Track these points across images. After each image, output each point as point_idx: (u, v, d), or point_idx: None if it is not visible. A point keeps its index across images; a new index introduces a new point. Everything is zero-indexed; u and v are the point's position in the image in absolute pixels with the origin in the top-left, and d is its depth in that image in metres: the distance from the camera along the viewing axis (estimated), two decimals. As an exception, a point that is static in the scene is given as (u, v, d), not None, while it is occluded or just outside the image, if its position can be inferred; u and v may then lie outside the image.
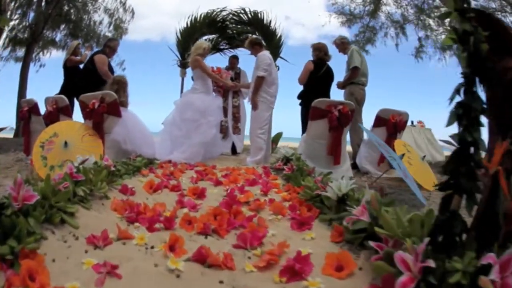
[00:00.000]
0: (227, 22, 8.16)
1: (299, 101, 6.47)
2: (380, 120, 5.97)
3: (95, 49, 10.55)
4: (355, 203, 2.24)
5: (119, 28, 18.53)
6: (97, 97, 5.13)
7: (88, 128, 5.09)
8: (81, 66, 6.98)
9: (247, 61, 8.47)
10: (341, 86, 6.64)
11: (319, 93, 5.98)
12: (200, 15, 7.81)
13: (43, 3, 16.43)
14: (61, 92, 6.76)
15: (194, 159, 5.82)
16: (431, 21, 15.21)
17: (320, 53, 6.32)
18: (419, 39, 15.12)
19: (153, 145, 5.52)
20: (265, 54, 6.13)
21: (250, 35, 8.18)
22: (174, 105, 6.39)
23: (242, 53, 8.31)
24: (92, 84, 6.00)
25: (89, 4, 18.03)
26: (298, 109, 6.60)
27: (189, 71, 7.24)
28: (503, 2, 13.83)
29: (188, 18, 7.83)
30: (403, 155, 4.70)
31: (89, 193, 2.57)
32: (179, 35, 7.91)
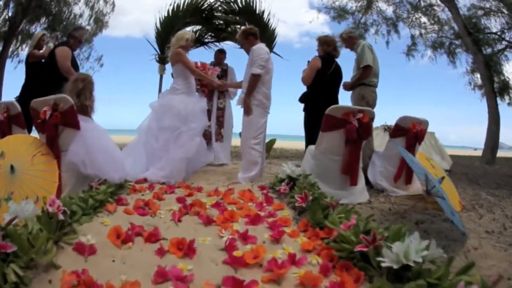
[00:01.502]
0: (214, 11, 6.82)
1: (302, 104, 5.21)
2: (400, 130, 4.80)
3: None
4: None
5: (99, 21, 17.24)
6: (50, 103, 3.72)
7: (42, 144, 3.76)
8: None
9: (236, 56, 7.13)
10: (349, 87, 5.49)
11: (327, 96, 4.91)
12: (184, 2, 6.48)
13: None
14: (20, 95, 5.54)
15: (174, 178, 4.62)
16: (425, 19, 14.40)
17: (328, 47, 5.08)
18: (412, 37, 14.18)
19: (123, 166, 4.14)
20: (262, 47, 4.90)
21: (239, 26, 6.92)
22: (150, 109, 5.11)
23: (230, 47, 7.10)
24: (53, 84, 4.60)
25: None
26: (288, 106, 5.34)
27: (169, 67, 5.93)
28: (500, 3, 12.95)
29: (170, 5, 6.51)
30: (442, 178, 3.60)
31: (27, 269, 1.75)
32: (158, 25, 6.57)
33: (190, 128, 4.79)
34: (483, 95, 15.40)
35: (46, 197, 2.45)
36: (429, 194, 3.44)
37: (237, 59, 7.71)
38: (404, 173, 4.64)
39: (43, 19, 16.16)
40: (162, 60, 6.51)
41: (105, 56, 17.22)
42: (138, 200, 3.44)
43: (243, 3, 6.57)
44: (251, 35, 5.02)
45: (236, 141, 6.76)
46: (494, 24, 13.92)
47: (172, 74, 5.36)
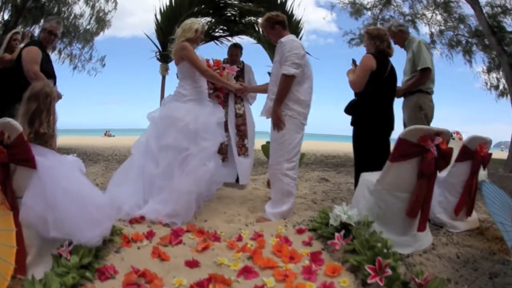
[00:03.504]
0: (227, -1, 5.37)
1: (349, 117, 3.85)
2: (467, 153, 3.55)
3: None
4: None
5: (101, 21, 15.83)
6: (-6, 131, 2.36)
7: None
8: None
9: (252, 55, 5.72)
10: (401, 93, 4.28)
11: (383, 106, 3.72)
12: None
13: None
14: None
15: (181, 217, 3.37)
16: (439, 17, 13.10)
17: (382, 43, 3.70)
18: (431, 34, 12.82)
19: (105, 215, 2.69)
20: (294, 39, 3.57)
21: (255, 18, 5.51)
22: (149, 121, 3.74)
23: (245, 42, 5.71)
24: (17, 96, 3.16)
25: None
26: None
27: (173, 66, 4.50)
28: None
29: None
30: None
31: None
32: (159, 17, 5.14)
33: (202, 149, 3.47)
34: (499, 95, 14.64)
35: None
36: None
37: (254, 58, 6.26)
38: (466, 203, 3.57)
39: (41, 21, 14.75)
40: (164, 58, 5.10)
41: (113, 56, 15.90)
42: (129, 275, 2.22)
43: (263, -12, 5.17)
44: (278, 24, 3.69)
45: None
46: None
47: (177, 75, 3.98)
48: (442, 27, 13.10)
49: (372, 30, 3.79)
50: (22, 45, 4.41)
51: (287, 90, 3.40)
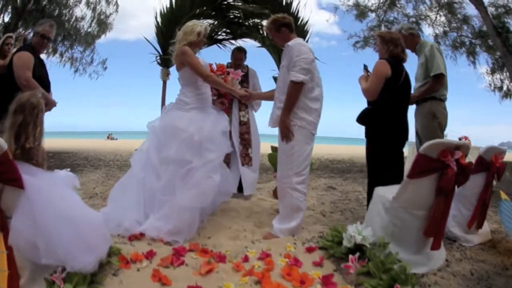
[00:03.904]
0: (230, 0, 5.09)
1: (362, 127, 3.61)
2: (482, 164, 3.35)
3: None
4: None
5: (102, 24, 15.58)
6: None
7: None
8: None
9: (255, 57, 5.48)
10: (414, 100, 4.04)
11: (397, 115, 3.45)
12: None
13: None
14: None
15: (184, 234, 3.13)
16: (443, 18, 12.91)
17: (396, 48, 3.43)
18: (436, 36, 12.56)
19: (101, 237, 2.47)
20: (302, 43, 3.33)
21: (259, 20, 5.26)
22: (148, 131, 3.50)
23: (249, 45, 5.48)
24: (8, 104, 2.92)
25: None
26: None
27: (174, 70, 4.23)
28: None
29: None
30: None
31: None
32: (159, 19, 4.90)
33: (207, 161, 3.24)
34: (503, 96, 14.62)
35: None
36: None
37: (258, 62, 6.03)
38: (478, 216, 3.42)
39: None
40: (164, 62, 4.84)
41: (115, 58, 15.69)
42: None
43: (267, -11, 4.92)
44: (285, 26, 3.44)
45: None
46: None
47: (179, 80, 3.73)
48: (446, 28, 12.90)
49: (385, 34, 3.53)
50: (15, 49, 4.17)
51: (296, 98, 3.16)
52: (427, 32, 13.59)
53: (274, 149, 4.66)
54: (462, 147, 2.67)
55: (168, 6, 4.84)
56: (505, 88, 14.69)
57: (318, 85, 3.31)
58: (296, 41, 3.30)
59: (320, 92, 3.34)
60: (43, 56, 4.39)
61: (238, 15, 5.21)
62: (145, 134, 3.63)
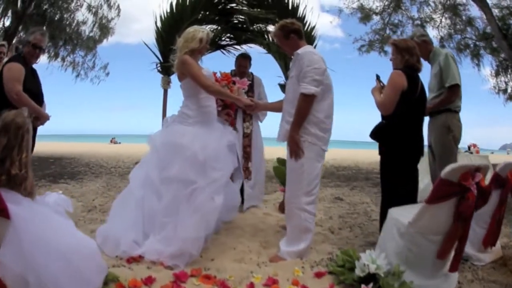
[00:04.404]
0: (234, 4, 4.80)
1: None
2: (498, 181, 3.10)
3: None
4: None
5: (104, 28, 15.36)
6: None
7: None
8: None
9: (260, 63, 5.25)
10: (428, 112, 3.77)
11: (413, 130, 3.19)
12: None
13: (19, 1, 13.19)
14: None
15: (186, 258, 2.86)
16: (448, 20, 12.69)
17: (411, 57, 3.17)
18: (441, 39, 12.33)
19: (94, 276, 2.23)
20: (314, 52, 3.09)
21: (264, 25, 4.99)
22: (149, 147, 3.28)
23: (254, 51, 5.17)
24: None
25: (71, 1, 14.70)
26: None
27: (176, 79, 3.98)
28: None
29: None
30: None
31: None
32: (159, 24, 4.63)
33: (212, 181, 3.00)
34: (507, 99, 14.46)
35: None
36: None
37: (263, 68, 5.77)
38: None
39: (43, 28, 14.37)
40: (165, 70, 4.58)
41: (117, 62, 15.49)
42: None
43: (273, -7, 4.66)
44: (294, 33, 3.19)
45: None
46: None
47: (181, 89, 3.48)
48: (451, 30, 12.68)
49: (399, 42, 3.26)
50: (6, 58, 3.93)
51: (306, 112, 2.91)
52: (432, 34, 13.41)
53: (280, 161, 4.41)
54: (482, 168, 2.49)
55: (169, 10, 4.57)
56: (509, 90, 14.62)
57: (330, 97, 3.07)
58: (306, 49, 3.06)
59: (331, 104, 3.09)
60: (43, 59, 4.12)
61: (243, 20, 4.94)
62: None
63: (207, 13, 4.82)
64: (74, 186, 6.38)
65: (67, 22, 14.61)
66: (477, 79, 15.24)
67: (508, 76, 14.55)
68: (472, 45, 14.01)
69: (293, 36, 3.16)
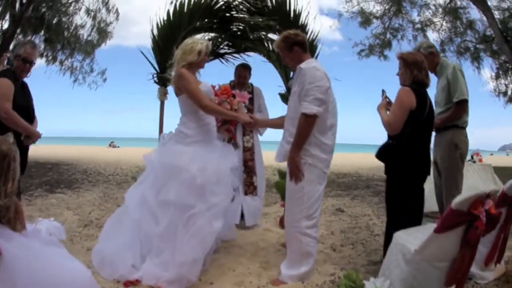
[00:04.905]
0: (233, 12, 4.65)
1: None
2: (505, 200, 2.94)
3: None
4: None
5: (103, 32, 15.17)
6: None
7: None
8: None
9: (260, 72, 5.10)
10: (435, 128, 3.56)
11: (423, 149, 3.02)
12: (189, 0, 4.34)
13: (17, 4, 13.00)
14: None
15: (184, 282, 2.72)
16: (449, 24, 12.53)
17: (420, 73, 2.98)
18: (442, 42, 12.17)
19: None
20: (317, 67, 2.87)
21: (264, 33, 4.83)
22: (146, 165, 3.14)
23: (254, 60, 5.03)
24: None
25: (69, 4, 14.52)
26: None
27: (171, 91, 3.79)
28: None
29: (171, 3, 4.32)
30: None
31: None
32: (155, 32, 4.45)
33: (211, 206, 2.83)
34: (507, 101, 14.42)
35: None
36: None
37: (263, 77, 5.61)
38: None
39: (41, 31, 14.03)
40: (162, 81, 4.41)
41: (119, 65, 15.31)
42: None
43: (273, 1, 4.49)
44: (298, 45, 3.00)
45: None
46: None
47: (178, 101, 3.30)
48: (451, 34, 12.54)
49: (407, 56, 3.05)
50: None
51: (307, 133, 2.75)
52: (432, 38, 13.29)
53: (281, 174, 4.24)
54: (492, 194, 2.35)
55: (166, 18, 4.40)
56: (509, 93, 14.52)
57: (333, 116, 2.91)
58: (310, 64, 2.87)
59: (335, 123, 2.94)
60: (41, 63, 3.95)
61: (242, 27, 4.77)
62: (148, 142, 3.27)
63: (206, 20, 4.67)
64: (71, 196, 6.23)
65: (65, 26, 14.41)
66: (477, 81, 15.16)
67: (508, 78, 14.47)
68: (472, 48, 13.92)
69: (297, 48, 2.98)
